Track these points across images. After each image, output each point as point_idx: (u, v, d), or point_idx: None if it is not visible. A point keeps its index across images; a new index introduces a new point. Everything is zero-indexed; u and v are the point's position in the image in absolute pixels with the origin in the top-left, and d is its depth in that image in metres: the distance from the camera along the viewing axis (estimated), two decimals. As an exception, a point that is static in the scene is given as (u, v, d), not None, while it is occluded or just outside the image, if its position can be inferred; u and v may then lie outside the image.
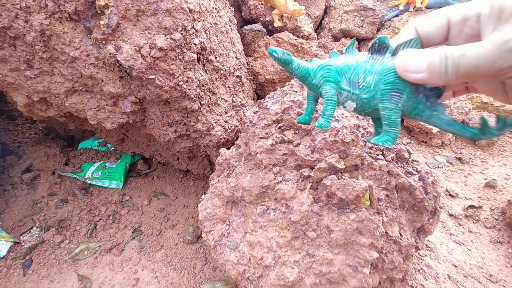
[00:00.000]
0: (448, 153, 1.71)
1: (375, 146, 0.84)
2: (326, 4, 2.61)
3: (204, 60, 1.07)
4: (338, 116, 0.82)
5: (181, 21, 0.93)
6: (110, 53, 0.91)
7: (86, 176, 1.51)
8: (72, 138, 1.85)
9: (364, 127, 0.86)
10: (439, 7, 2.07)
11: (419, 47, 0.38)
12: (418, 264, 1.08)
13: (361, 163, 0.78)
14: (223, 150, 0.98)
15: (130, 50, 0.91)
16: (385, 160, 0.81)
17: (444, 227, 1.26)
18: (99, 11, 0.90)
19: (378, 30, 2.15)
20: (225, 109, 1.18)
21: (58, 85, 1.03)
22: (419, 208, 0.85)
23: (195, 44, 0.98)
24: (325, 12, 2.65)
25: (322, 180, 0.76)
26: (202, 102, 1.08)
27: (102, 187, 1.51)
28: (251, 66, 1.56)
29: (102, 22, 0.91)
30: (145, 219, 1.35)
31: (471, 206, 1.33)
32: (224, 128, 1.15)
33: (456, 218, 1.30)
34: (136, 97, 1.05)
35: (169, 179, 1.59)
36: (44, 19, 0.90)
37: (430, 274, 1.05)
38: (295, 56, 1.58)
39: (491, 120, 0.46)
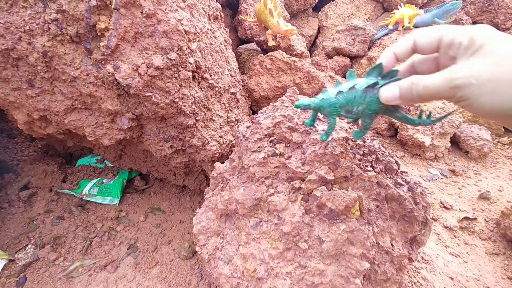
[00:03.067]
0: (442, 165, 1.73)
1: (365, 158, 0.86)
2: (319, 24, 2.72)
3: (200, 78, 1.11)
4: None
5: (177, 41, 0.98)
6: (109, 72, 0.96)
7: (83, 193, 1.52)
8: (71, 155, 1.87)
9: (353, 139, 0.89)
10: (426, 26, 2.16)
11: (397, 78, 0.53)
12: (415, 277, 1.08)
13: (350, 174, 0.80)
14: (217, 164, 1.00)
15: (128, 69, 0.95)
16: (374, 171, 0.84)
17: (440, 239, 1.26)
18: (99, 34, 0.95)
19: (369, 48, 2.24)
20: (220, 125, 1.21)
21: (58, 103, 1.07)
22: (409, 218, 0.86)
23: (190, 63, 1.02)
24: (318, 31, 2.75)
25: (312, 191, 0.78)
26: (198, 118, 1.11)
27: (98, 203, 1.51)
28: (246, 83, 1.62)
29: (102, 44, 0.96)
30: (141, 235, 1.35)
31: (466, 218, 1.34)
32: (219, 143, 1.18)
33: (451, 230, 1.30)
34: (133, 114, 1.08)
35: (166, 195, 1.60)
36: (47, 41, 0.95)
37: (426, 287, 1.04)
38: (288, 73, 1.64)
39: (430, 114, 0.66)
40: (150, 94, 0.99)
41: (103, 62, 0.97)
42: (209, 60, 1.14)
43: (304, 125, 0.87)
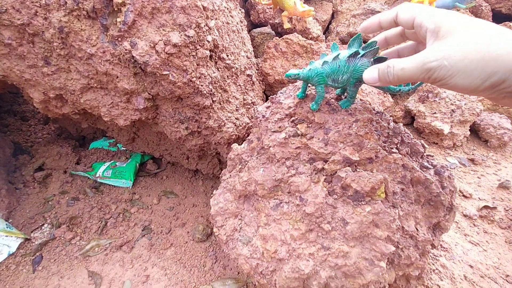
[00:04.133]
0: (460, 154, 1.69)
1: (390, 140, 0.83)
2: (333, 9, 2.64)
3: (216, 58, 1.08)
4: (350, 110, 0.82)
5: (195, 18, 0.94)
6: (126, 49, 0.93)
7: (97, 175, 1.53)
8: (84, 138, 1.87)
9: (377, 121, 0.86)
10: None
11: (375, 48, 0.64)
12: (433, 264, 1.06)
13: (375, 156, 0.78)
14: (235, 145, 0.98)
15: (145, 46, 0.92)
16: (400, 153, 0.81)
17: (459, 227, 1.23)
18: (116, 9, 0.93)
19: (386, 33, 2.16)
20: (236, 107, 1.18)
21: (74, 81, 1.06)
22: (435, 203, 0.83)
23: (208, 41, 0.99)
24: (332, 17, 2.68)
25: (336, 172, 0.76)
26: (214, 99, 1.09)
27: (112, 186, 1.52)
28: (261, 67, 1.58)
29: (118, 20, 0.93)
30: (154, 218, 1.35)
31: (486, 207, 1.30)
32: (235, 125, 1.15)
33: (470, 218, 1.27)
34: (149, 94, 1.06)
35: (178, 179, 1.60)
36: (63, 17, 0.92)
37: (445, 274, 1.02)
38: (304, 56, 1.60)
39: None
40: (167, 72, 0.97)
41: (119, 39, 0.95)
42: (226, 40, 1.11)
43: (327, 104, 0.84)
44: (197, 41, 0.97)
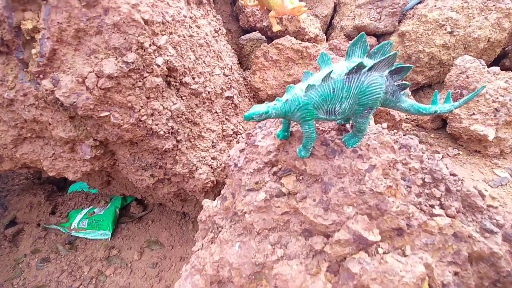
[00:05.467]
0: (511, 164, 1.33)
1: (427, 191, 0.53)
2: (335, 1, 2.33)
3: (178, 84, 0.83)
4: (360, 149, 0.54)
5: (134, 37, 0.69)
6: (47, 90, 0.70)
7: (71, 227, 1.32)
8: (65, 180, 1.68)
9: (404, 161, 0.56)
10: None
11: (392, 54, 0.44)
12: None
13: (407, 224, 0.48)
14: (205, 202, 0.72)
15: (70, 83, 0.68)
16: (447, 214, 0.51)
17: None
18: (28, 38, 0.69)
19: (399, 21, 1.83)
20: (213, 142, 0.92)
21: (2, 134, 0.84)
22: (504, 284, 0.53)
23: (158, 65, 0.74)
24: (335, 10, 2.37)
25: (345, 258, 0.47)
26: (179, 138, 0.83)
27: (88, 239, 1.30)
28: (250, 81, 1.31)
29: (34, 51, 0.70)
30: (133, 280, 1.11)
31: None
32: (211, 168, 0.89)
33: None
34: (95, 140, 0.82)
35: (166, 223, 1.36)
36: (-37, 56, 0.71)
37: None
38: (300, 63, 1.31)
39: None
40: (107, 113, 0.72)
41: (41, 76, 0.72)
42: (190, 58, 0.85)
43: (323, 145, 0.56)
44: (143, 66, 0.72)
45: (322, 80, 0.45)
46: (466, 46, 1.67)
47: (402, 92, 0.52)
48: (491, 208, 0.56)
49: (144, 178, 0.91)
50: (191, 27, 0.90)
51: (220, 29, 1.18)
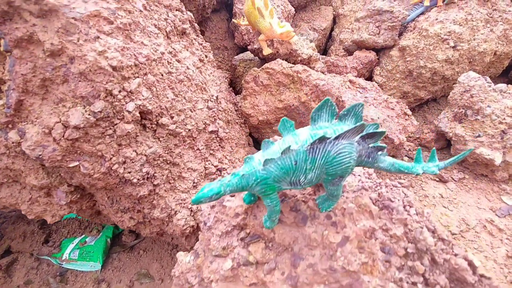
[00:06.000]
0: (522, 189, 1.24)
1: (409, 264, 0.48)
2: (334, 13, 2.27)
3: (154, 125, 0.79)
4: (334, 215, 0.49)
5: (102, 84, 0.66)
6: (13, 142, 0.68)
7: (63, 258, 1.30)
8: (60, 205, 1.67)
9: (384, 227, 0.50)
10: (478, -4, 1.63)
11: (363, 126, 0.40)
12: None
13: (384, 308, 0.43)
14: (180, 256, 0.68)
15: (37, 135, 0.66)
16: (431, 294, 0.45)
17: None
18: (-6, 89, 0.68)
19: (400, 35, 1.76)
20: (194, 182, 0.88)
21: (-21, 179, 0.82)
22: None
23: (128, 112, 0.71)
24: (334, 22, 2.31)
25: None
26: (156, 182, 0.79)
27: (79, 271, 1.28)
28: (241, 106, 1.27)
29: (0, 102, 0.68)
30: (120, 318, 1.08)
31: None
32: (191, 211, 0.85)
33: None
34: (70, 185, 0.80)
35: (157, 253, 1.32)
36: None
37: None
38: (291, 88, 1.26)
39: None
40: (77, 163, 0.69)
41: (10, 126, 0.70)
42: (167, 98, 0.82)
43: (293, 211, 0.51)
44: (113, 114, 0.69)
45: (282, 153, 0.41)
46: (471, 60, 1.57)
47: (379, 152, 0.48)
48: (483, 278, 0.50)
49: (124, 220, 0.88)
50: (170, 63, 0.87)
51: (207, 57, 1.14)
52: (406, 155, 1.54)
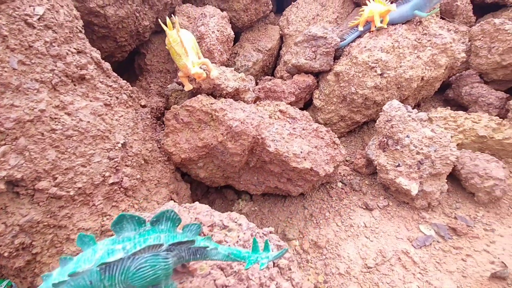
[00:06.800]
0: (439, 218, 1.28)
1: None
2: (281, 32, 2.28)
3: (30, 191, 0.76)
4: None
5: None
6: None
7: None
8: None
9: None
10: (405, 22, 1.69)
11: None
12: None
13: None
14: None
15: None
16: None
17: None
18: None
19: (336, 59, 1.79)
20: (85, 243, 0.85)
21: None
22: None
23: (-11, 186, 0.67)
24: (282, 40, 2.32)
25: None
26: (36, 251, 0.76)
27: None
28: (163, 144, 1.25)
29: None
30: None
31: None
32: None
33: None
34: None
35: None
36: None
37: None
38: (211, 125, 1.24)
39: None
40: None
41: None
42: (47, 159, 0.78)
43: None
44: (-30, 189, 0.65)
45: (69, 276, 0.39)
46: (399, 86, 1.62)
47: (213, 246, 0.48)
48: None
49: (17, 283, 0.84)
50: (55, 119, 0.83)
51: (118, 98, 1.11)
52: (340, 181, 1.57)
